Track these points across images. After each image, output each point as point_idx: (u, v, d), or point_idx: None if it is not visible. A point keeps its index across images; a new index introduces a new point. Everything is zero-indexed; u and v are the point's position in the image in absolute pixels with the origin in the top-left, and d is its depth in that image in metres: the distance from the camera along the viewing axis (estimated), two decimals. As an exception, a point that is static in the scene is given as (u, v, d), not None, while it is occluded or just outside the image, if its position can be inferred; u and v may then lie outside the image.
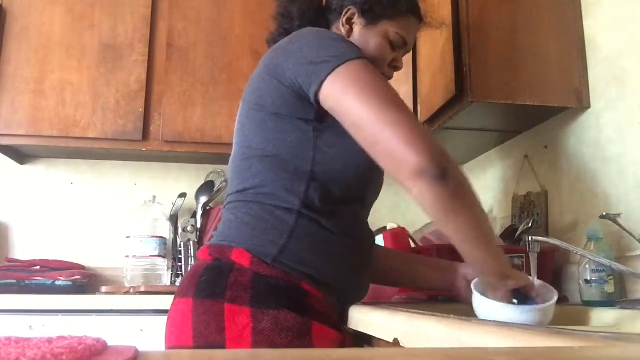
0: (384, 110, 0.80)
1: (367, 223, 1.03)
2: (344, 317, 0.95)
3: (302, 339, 0.82)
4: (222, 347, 0.81)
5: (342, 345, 0.89)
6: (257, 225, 0.89)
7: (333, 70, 0.84)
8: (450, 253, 1.29)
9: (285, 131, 0.90)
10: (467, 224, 0.82)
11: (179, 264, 2.10)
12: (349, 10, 1.03)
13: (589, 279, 1.16)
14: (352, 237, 0.93)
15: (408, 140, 0.77)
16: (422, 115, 1.69)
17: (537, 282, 0.96)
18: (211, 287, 0.85)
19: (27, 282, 1.83)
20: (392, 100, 0.81)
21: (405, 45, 1.06)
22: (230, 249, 0.88)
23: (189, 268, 2.06)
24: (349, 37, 1.03)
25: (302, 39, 0.91)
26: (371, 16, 1.02)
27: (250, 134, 0.94)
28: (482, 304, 0.88)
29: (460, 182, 0.81)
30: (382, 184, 1.05)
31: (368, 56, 1.01)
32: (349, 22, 1.04)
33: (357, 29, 1.03)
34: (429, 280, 1.13)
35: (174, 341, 0.87)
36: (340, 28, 1.04)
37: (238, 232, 0.90)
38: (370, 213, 1.06)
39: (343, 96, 0.83)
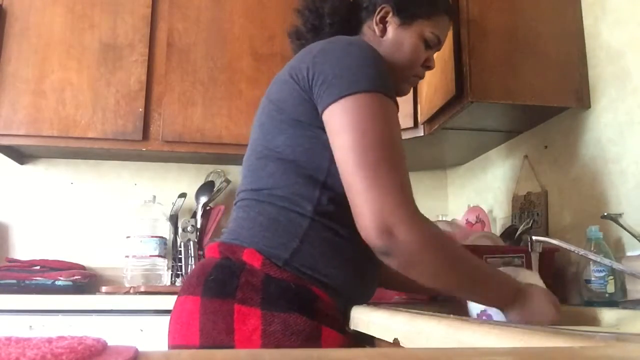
0: (359, 169, 0.78)
1: None
2: (347, 318, 0.95)
3: (311, 343, 0.82)
4: (231, 348, 0.80)
5: (348, 348, 0.89)
6: (270, 226, 0.88)
7: (340, 98, 0.82)
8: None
9: (304, 137, 0.89)
10: (424, 282, 0.82)
11: (179, 264, 2.10)
12: (382, 8, 1.01)
13: (589, 279, 1.16)
14: (364, 243, 0.93)
15: (363, 211, 0.77)
16: (422, 115, 1.70)
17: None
18: (221, 286, 0.84)
19: (27, 282, 1.83)
20: (372, 157, 0.79)
21: (439, 44, 1.05)
22: (242, 249, 0.87)
23: (189, 268, 2.07)
24: (382, 36, 1.01)
25: (331, 51, 0.88)
26: (406, 15, 1.00)
27: (268, 134, 0.93)
28: None
29: (407, 257, 0.78)
30: None
31: (402, 57, 1.00)
32: (383, 20, 1.01)
33: (391, 28, 1.01)
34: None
35: (179, 340, 0.86)
36: (374, 27, 1.02)
37: (250, 232, 0.89)
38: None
39: (335, 136, 0.82)
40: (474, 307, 0.89)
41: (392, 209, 0.76)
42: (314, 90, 0.86)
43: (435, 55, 1.10)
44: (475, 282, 0.85)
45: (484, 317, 0.87)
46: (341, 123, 0.81)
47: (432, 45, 1.03)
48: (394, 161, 0.80)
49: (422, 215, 0.80)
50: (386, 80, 0.86)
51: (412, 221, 0.78)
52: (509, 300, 0.85)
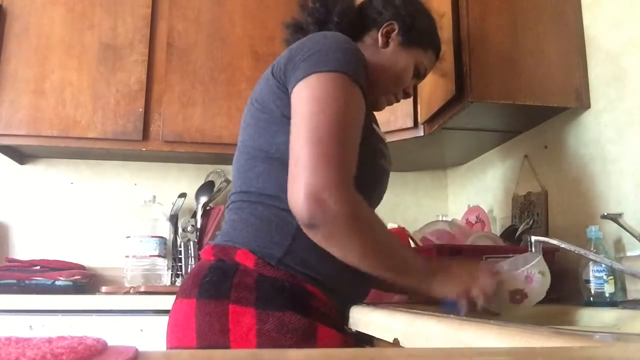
0: (304, 139, 0.79)
1: None
2: (345, 318, 0.95)
3: (306, 341, 0.82)
4: (227, 348, 0.80)
5: (345, 346, 0.89)
6: (262, 226, 0.89)
7: (306, 76, 0.83)
8: (450, 253, 1.29)
9: (288, 134, 0.90)
10: (344, 258, 0.83)
11: (179, 264, 2.10)
12: (390, 24, 1.06)
13: (589, 279, 1.16)
14: None
15: (296, 178, 0.78)
16: (422, 115, 1.70)
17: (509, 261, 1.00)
18: (215, 288, 0.85)
19: (27, 282, 1.83)
20: (320, 129, 0.79)
21: (423, 77, 1.12)
22: (235, 250, 0.87)
23: (189, 268, 2.07)
24: (383, 48, 1.06)
25: (306, 43, 0.90)
26: (409, 38, 1.06)
27: (254, 134, 0.94)
28: None
29: (330, 231, 0.79)
30: (386, 189, 1.04)
31: (394, 73, 1.04)
32: (387, 34, 1.06)
33: (392, 44, 1.06)
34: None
35: (176, 342, 0.87)
36: (377, 37, 1.06)
37: (242, 232, 0.90)
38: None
39: (298, 105, 0.83)
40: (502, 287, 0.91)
41: (328, 182, 0.77)
42: (287, 79, 0.88)
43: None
44: (399, 264, 0.87)
45: (517, 296, 0.90)
46: (302, 97, 0.83)
47: (420, 74, 1.10)
48: (344, 140, 0.81)
49: (358, 196, 0.81)
50: (355, 66, 0.87)
51: (345, 196, 0.78)
52: (426, 282, 0.88)
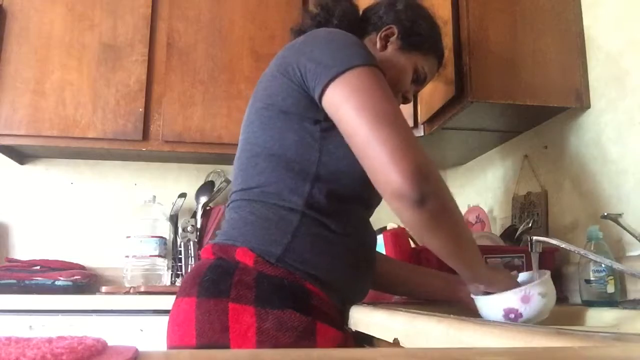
0: (377, 124, 0.78)
1: (370, 224, 1.03)
2: (345, 317, 0.95)
3: (306, 339, 0.82)
4: (226, 346, 0.80)
5: (345, 345, 0.89)
6: (261, 224, 0.89)
7: (337, 75, 0.83)
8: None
9: (293, 130, 0.90)
10: (442, 243, 0.85)
11: (179, 264, 2.10)
12: (390, 28, 1.06)
13: (589, 279, 1.16)
14: (355, 238, 0.93)
15: (391, 160, 0.76)
16: (422, 115, 1.70)
17: (527, 274, 1.00)
18: (215, 286, 0.85)
19: (27, 282, 1.83)
20: (387, 113, 0.80)
21: (423, 82, 1.12)
22: (234, 248, 0.88)
23: (189, 268, 2.07)
24: (381, 51, 1.06)
25: (315, 40, 0.91)
26: (408, 42, 1.06)
27: (257, 131, 0.94)
28: (482, 303, 0.89)
29: (440, 206, 0.80)
30: None
31: (391, 76, 1.03)
32: (386, 38, 1.06)
33: (391, 47, 1.06)
34: (431, 288, 1.13)
35: (176, 340, 0.87)
36: (375, 40, 1.07)
37: (242, 231, 0.90)
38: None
39: (342, 105, 0.83)
40: (497, 304, 0.89)
41: (423, 157, 0.78)
42: (308, 79, 0.87)
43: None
44: (466, 245, 0.89)
45: (511, 315, 0.87)
46: (344, 94, 0.83)
47: (419, 80, 1.10)
48: (404, 121, 0.82)
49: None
50: (372, 56, 0.89)
51: (436, 169, 0.81)
52: (482, 276, 0.92)
